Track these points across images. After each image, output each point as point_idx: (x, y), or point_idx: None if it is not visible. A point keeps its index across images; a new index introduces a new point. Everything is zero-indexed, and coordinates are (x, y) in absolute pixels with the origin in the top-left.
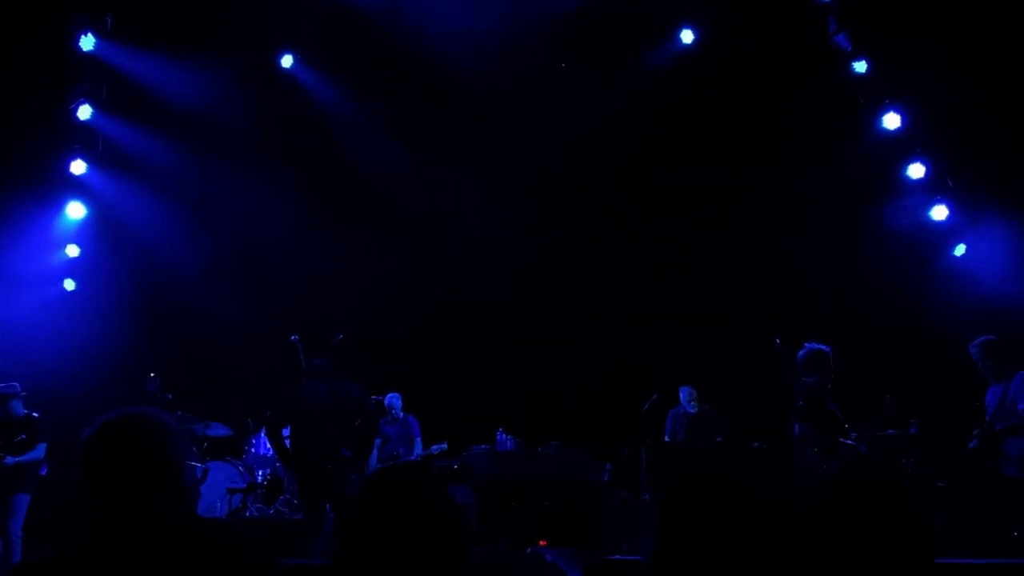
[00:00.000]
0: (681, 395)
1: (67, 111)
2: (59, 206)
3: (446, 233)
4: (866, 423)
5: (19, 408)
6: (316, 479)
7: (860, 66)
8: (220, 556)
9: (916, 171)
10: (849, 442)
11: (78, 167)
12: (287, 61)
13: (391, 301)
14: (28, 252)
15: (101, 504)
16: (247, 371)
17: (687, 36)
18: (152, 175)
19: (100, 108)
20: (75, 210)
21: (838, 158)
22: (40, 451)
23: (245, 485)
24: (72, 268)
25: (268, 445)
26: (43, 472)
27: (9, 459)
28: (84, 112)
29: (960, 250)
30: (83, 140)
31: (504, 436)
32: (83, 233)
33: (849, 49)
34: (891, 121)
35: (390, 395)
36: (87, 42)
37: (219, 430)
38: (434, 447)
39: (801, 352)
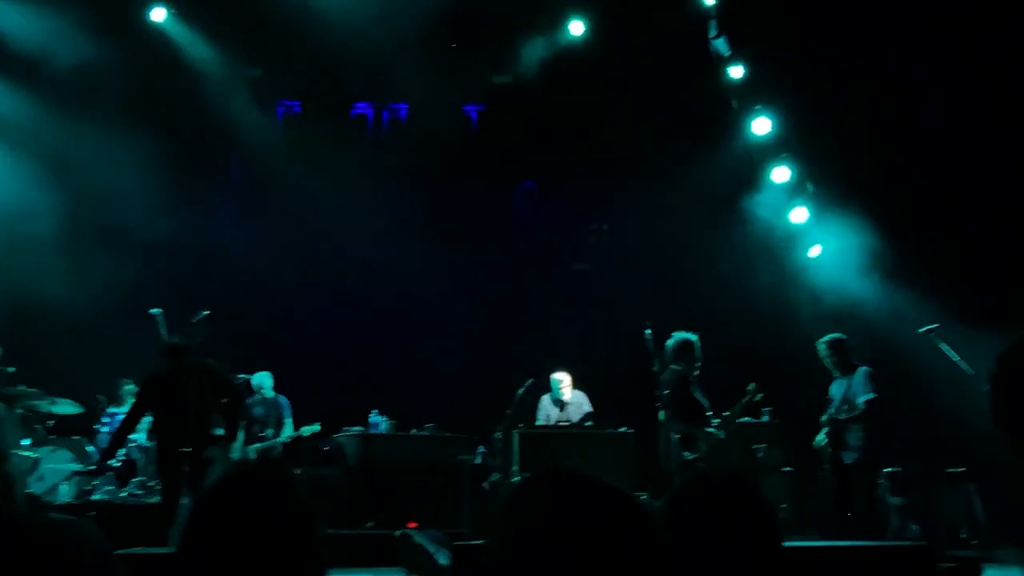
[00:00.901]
0: (552, 381)
1: None
2: None
3: (321, 207)
4: (726, 411)
5: None
6: (175, 461)
7: (736, 71)
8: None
9: (781, 174)
10: (711, 429)
11: None
12: (158, 14)
13: (262, 275)
14: None
15: None
16: (101, 344)
17: (577, 28)
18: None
19: None
20: None
21: (710, 159)
22: None
23: (95, 467)
24: None
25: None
26: None
27: None
28: None
29: (814, 251)
30: None
31: (378, 418)
32: None
33: (727, 54)
34: (761, 126)
35: (259, 374)
36: None
37: (67, 407)
38: (305, 428)
39: (669, 340)
